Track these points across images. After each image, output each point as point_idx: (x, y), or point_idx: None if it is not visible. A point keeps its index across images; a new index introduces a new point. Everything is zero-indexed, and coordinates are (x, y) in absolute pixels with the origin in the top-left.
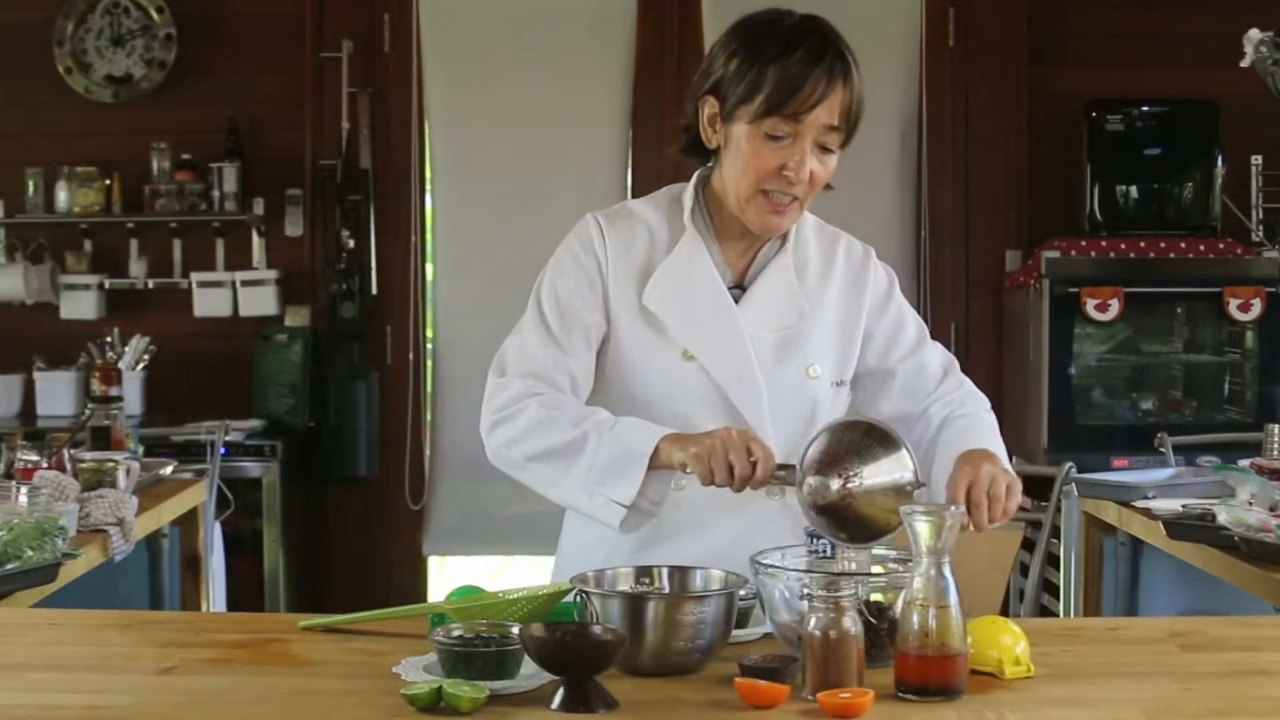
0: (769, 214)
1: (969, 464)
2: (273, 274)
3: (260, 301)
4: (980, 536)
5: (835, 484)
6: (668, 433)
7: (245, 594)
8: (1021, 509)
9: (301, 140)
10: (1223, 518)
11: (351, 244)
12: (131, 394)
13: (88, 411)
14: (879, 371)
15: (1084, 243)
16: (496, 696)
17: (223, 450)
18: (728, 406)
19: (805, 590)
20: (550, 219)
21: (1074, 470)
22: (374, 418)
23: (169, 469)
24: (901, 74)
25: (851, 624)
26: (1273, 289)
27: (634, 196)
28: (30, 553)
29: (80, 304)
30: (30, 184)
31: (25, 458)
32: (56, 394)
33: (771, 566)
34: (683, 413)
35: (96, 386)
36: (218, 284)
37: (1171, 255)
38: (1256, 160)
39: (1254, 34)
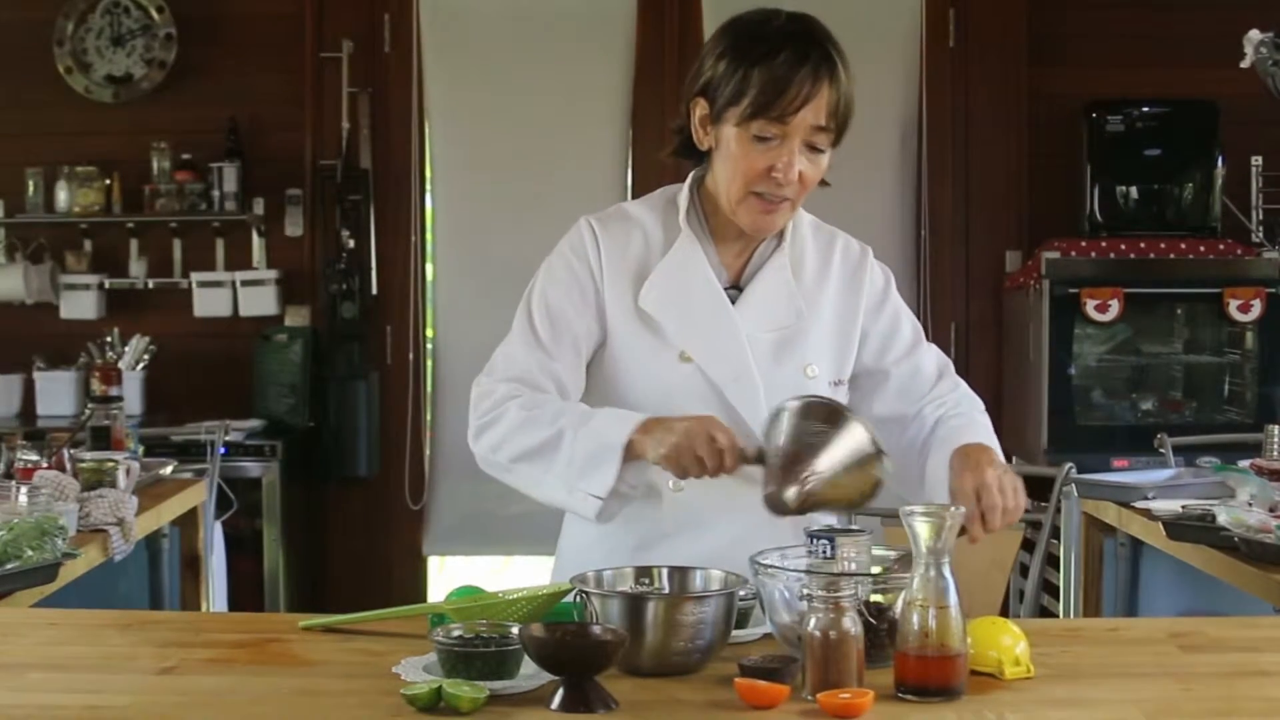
0: (760, 215)
1: (970, 466)
2: (273, 274)
3: (260, 301)
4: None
5: (792, 493)
6: (641, 422)
7: (245, 594)
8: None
9: (301, 140)
10: (1223, 518)
11: (351, 244)
12: (131, 394)
13: (88, 411)
14: (875, 372)
15: (1084, 243)
16: (496, 696)
17: (223, 450)
18: (725, 407)
19: (805, 590)
20: (550, 219)
21: (1074, 471)
22: (374, 418)
23: (169, 469)
24: (901, 74)
25: (851, 624)
26: (1273, 290)
27: (634, 197)
28: (30, 553)
29: (80, 304)
30: (30, 184)
31: (25, 458)
32: (56, 394)
33: (771, 567)
34: (680, 414)
35: (96, 386)
36: (218, 284)
37: (1171, 256)
38: (1256, 161)
39: (1254, 34)
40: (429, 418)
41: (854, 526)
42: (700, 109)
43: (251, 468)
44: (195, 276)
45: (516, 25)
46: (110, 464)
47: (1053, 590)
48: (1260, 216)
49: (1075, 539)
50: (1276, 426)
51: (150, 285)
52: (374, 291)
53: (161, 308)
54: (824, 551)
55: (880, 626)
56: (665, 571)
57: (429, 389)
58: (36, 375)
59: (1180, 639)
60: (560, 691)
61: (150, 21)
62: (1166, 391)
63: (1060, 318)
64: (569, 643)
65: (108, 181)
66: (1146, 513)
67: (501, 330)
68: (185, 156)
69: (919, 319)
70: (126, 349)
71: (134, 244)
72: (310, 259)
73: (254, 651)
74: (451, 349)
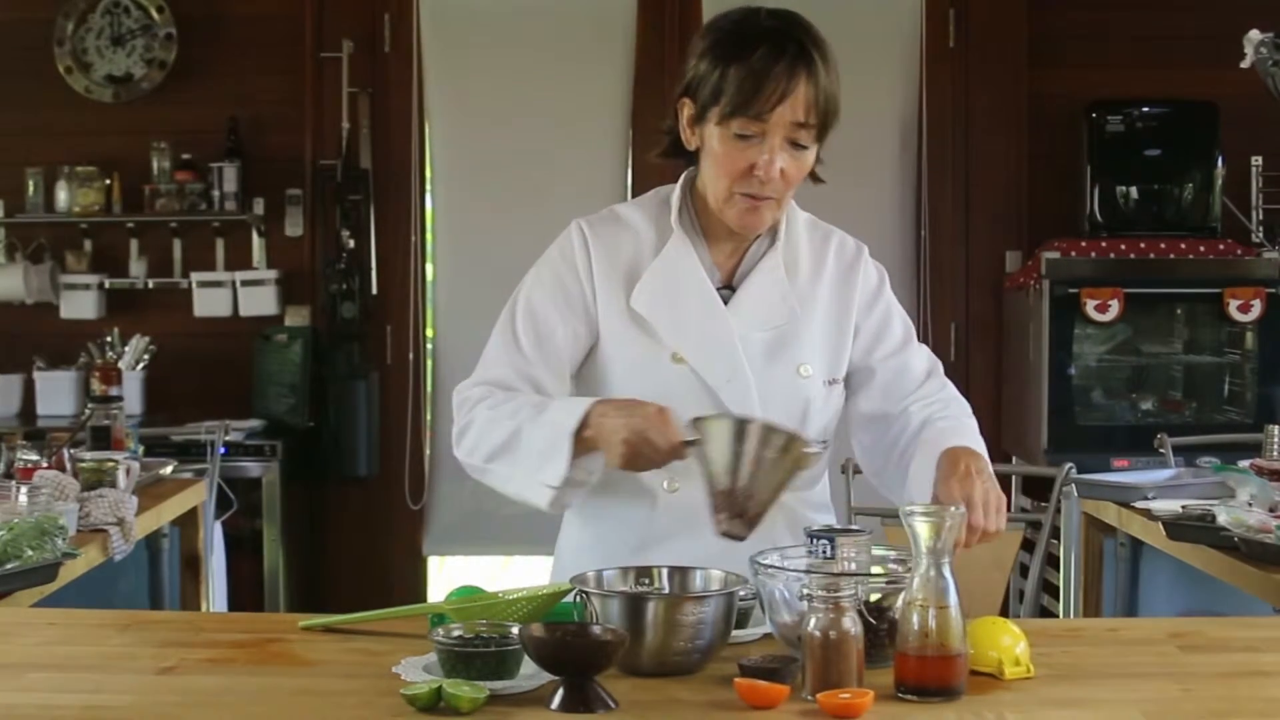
0: (746, 213)
1: (959, 475)
2: (273, 274)
3: (260, 301)
4: None
5: (739, 525)
6: (589, 408)
7: (245, 594)
8: (1021, 509)
9: (301, 140)
10: (1223, 518)
11: (351, 244)
12: (131, 394)
13: (88, 411)
14: (861, 368)
15: (1084, 243)
16: (496, 696)
17: (223, 450)
18: (719, 408)
19: (805, 590)
20: (550, 219)
21: (1074, 471)
22: (374, 418)
23: (169, 469)
24: (901, 75)
25: (851, 624)
26: (1273, 290)
27: (634, 196)
28: (30, 552)
29: (80, 304)
30: (30, 184)
31: (25, 457)
32: (56, 394)
33: (771, 566)
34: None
35: (96, 386)
36: (218, 284)
37: (1171, 256)
38: (1256, 161)
39: (1254, 35)
40: (429, 418)
41: (854, 526)
42: (686, 109)
43: (251, 468)
44: (195, 276)
45: (516, 25)
46: (110, 464)
47: (1053, 590)
48: (1260, 217)
49: (1075, 539)
50: (1276, 426)
51: (150, 285)
52: (374, 291)
53: (161, 308)
54: (824, 551)
55: (880, 626)
56: (665, 571)
57: (429, 389)
58: (36, 375)
59: (1180, 639)
60: (560, 691)
61: (150, 21)
62: (1166, 391)
63: (1060, 318)
64: (569, 643)
65: (108, 181)
66: (1146, 513)
67: None
68: (185, 156)
69: (919, 319)
70: (126, 349)
71: (134, 244)
72: (310, 259)
73: (254, 651)
74: (451, 349)
